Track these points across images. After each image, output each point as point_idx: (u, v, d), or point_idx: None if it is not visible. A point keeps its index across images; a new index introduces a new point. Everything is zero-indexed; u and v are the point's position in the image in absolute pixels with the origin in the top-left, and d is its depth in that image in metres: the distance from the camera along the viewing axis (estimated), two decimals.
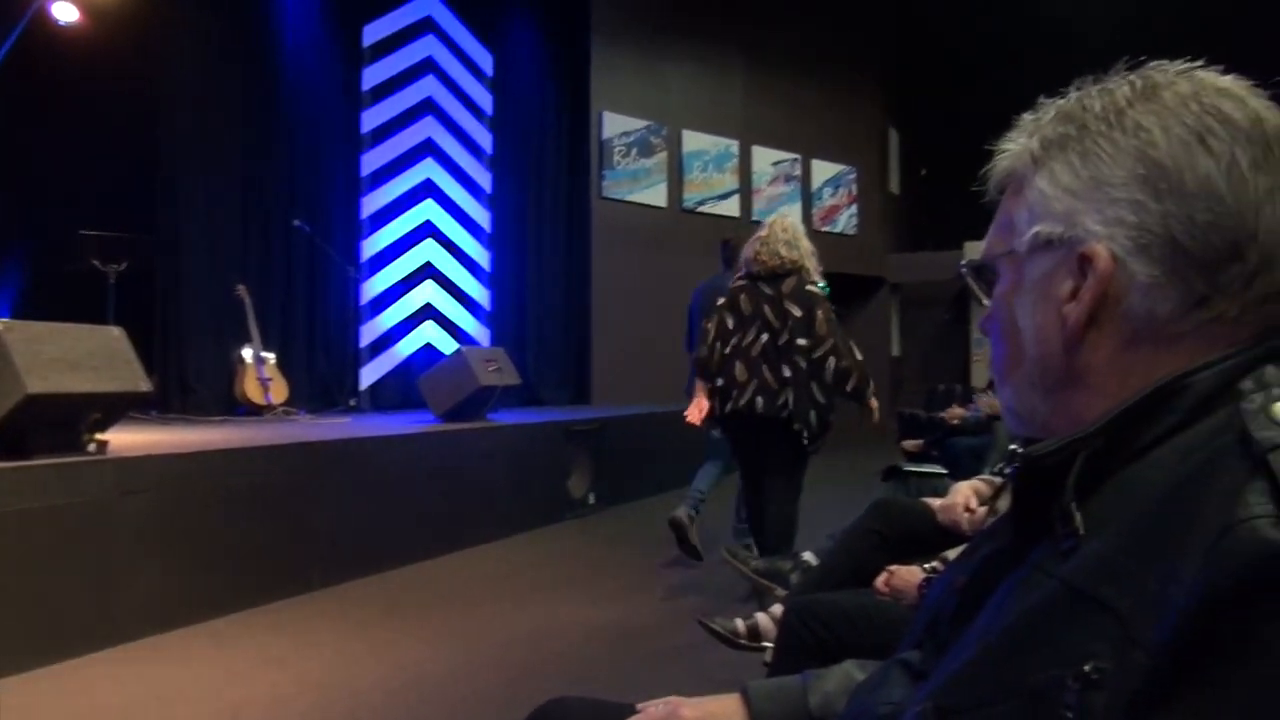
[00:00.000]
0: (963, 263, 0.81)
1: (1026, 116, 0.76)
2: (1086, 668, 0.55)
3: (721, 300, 4.04)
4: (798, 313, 3.80)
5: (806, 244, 3.95)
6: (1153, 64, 0.71)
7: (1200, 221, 0.64)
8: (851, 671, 1.04)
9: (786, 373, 3.78)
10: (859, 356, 3.87)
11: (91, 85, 6.64)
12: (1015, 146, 0.75)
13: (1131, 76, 0.71)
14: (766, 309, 3.85)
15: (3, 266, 5.99)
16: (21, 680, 3.03)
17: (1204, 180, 0.64)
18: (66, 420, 3.53)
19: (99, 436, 3.63)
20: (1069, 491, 0.65)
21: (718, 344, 3.93)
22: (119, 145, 6.97)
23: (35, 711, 2.81)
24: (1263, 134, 0.65)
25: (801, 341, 3.78)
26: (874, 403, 3.95)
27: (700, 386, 4.07)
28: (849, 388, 3.82)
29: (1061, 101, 0.73)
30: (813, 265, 3.93)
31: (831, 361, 3.77)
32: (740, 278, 4.02)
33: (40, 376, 3.34)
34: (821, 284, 3.95)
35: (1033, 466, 0.69)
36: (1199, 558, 0.53)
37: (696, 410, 4.10)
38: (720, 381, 3.91)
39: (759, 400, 3.79)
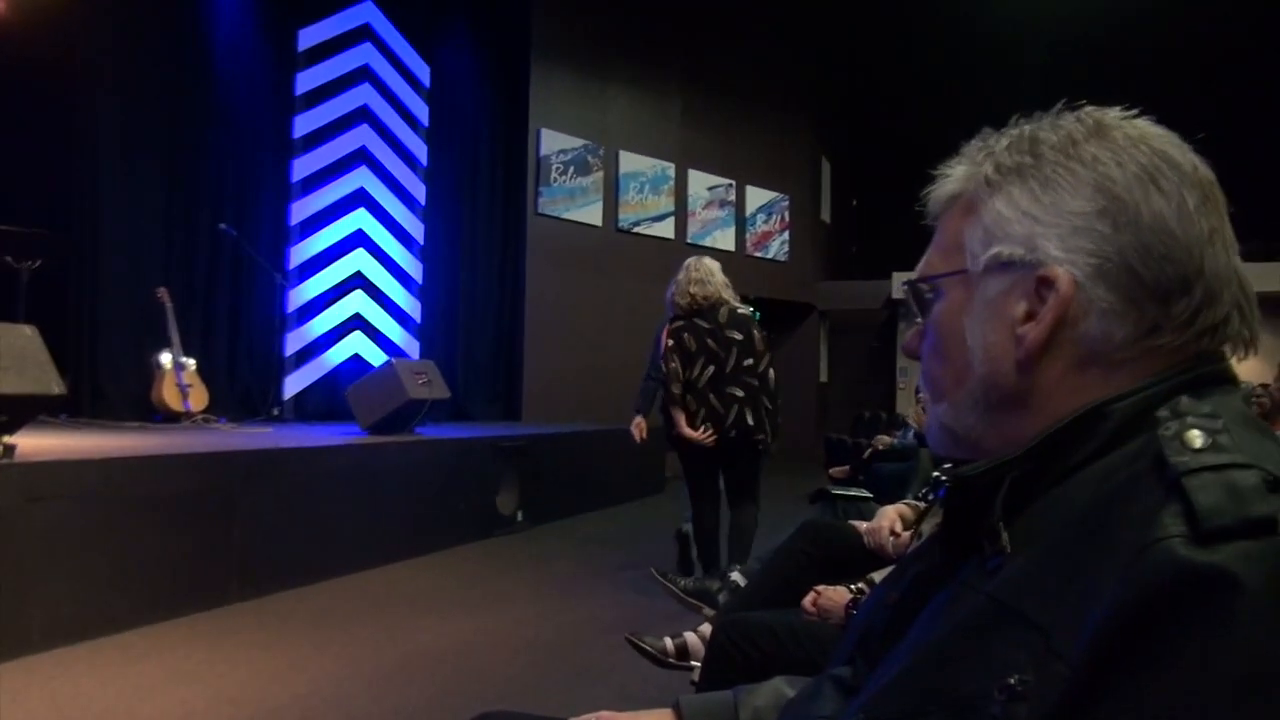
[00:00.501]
0: (904, 280, 0.82)
1: (973, 143, 0.78)
2: (1011, 680, 0.57)
3: (669, 344, 4.37)
4: (738, 336, 4.25)
5: (720, 277, 4.36)
6: (1089, 107, 0.74)
7: (1155, 254, 0.67)
8: (781, 687, 1.05)
9: (739, 393, 4.24)
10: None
11: (10, 76, 6.40)
12: (963, 170, 0.77)
13: (1079, 115, 0.74)
14: (709, 341, 4.27)
15: None
16: None
17: (1157, 216, 0.68)
18: None
19: (6, 440, 3.47)
20: (997, 511, 0.67)
21: (675, 383, 4.34)
22: (37, 139, 6.72)
23: None
24: (1201, 181, 0.70)
25: (748, 362, 4.24)
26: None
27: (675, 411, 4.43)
28: (778, 400, 4.34)
29: (1013, 130, 0.76)
30: (729, 296, 4.37)
31: (770, 373, 4.28)
32: (676, 319, 4.37)
33: None
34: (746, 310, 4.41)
35: (963, 487, 0.71)
36: (1116, 575, 0.55)
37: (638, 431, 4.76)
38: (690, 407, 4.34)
39: (708, 425, 4.26)
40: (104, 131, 6.89)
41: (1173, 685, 0.52)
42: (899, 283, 12.66)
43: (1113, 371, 0.69)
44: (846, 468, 7.07)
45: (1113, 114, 0.73)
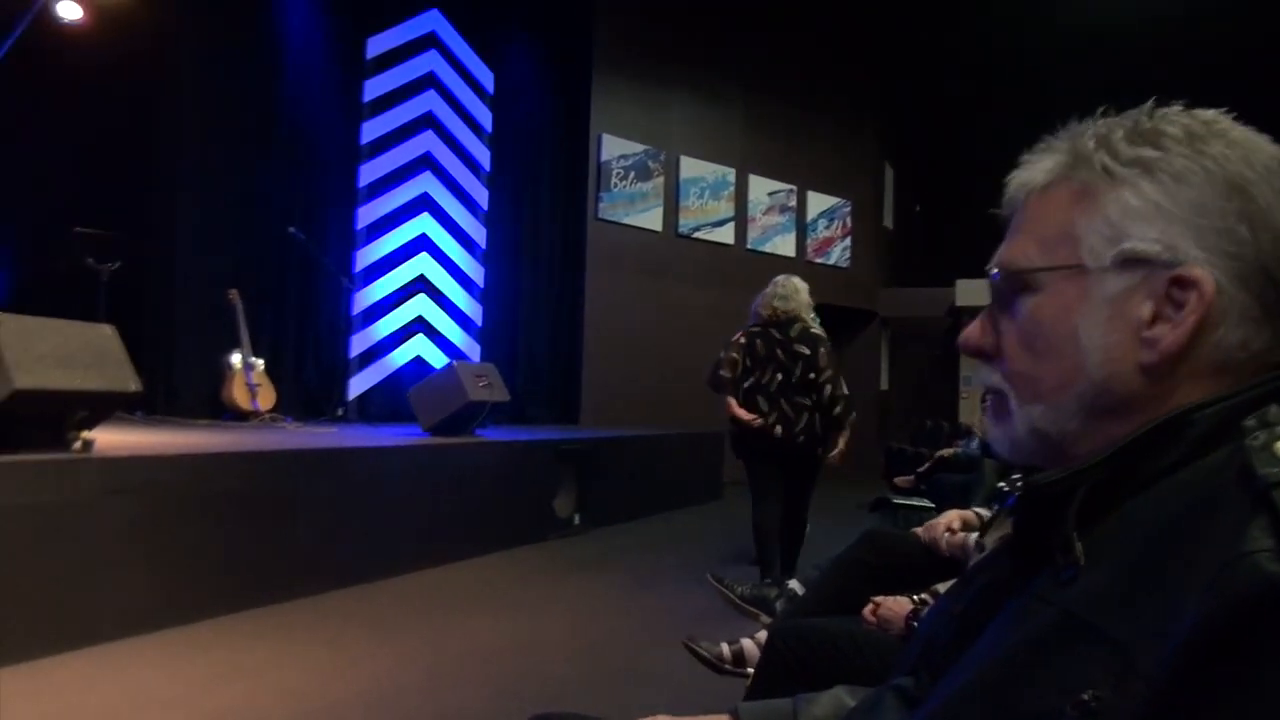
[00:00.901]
0: (994, 270, 0.75)
1: (1065, 132, 0.74)
2: (1085, 696, 0.55)
3: (740, 341, 4.77)
4: (805, 352, 4.62)
5: (804, 298, 4.74)
6: (1179, 108, 0.71)
7: None
8: (842, 696, 1.04)
9: (807, 402, 4.63)
10: (846, 391, 4.69)
11: (92, 85, 6.64)
12: (1060, 159, 0.73)
13: (1186, 113, 0.70)
14: (777, 350, 4.66)
15: None
16: None
17: None
18: (53, 417, 3.51)
19: (85, 434, 3.60)
20: (1070, 521, 0.65)
21: (738, 384, 4.70)
22: (118, 146, 6.96)
23: (5, 708, 2.77)
24: None
25: (811, 375, 4.59)
26: (842, 438, 4.77)
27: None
28: (835, 413, 4.63)
29: (1123, 121, 0.72)
30: (808, 316, 4.75)
31: (828, 389, 4.59)
32: (753, 326, 4.79)
33: (29, 371, 3.31)
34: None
35: (1035, 495, 0.69)
36: (1199, 591, 0.53)
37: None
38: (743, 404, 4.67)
39: (778, 429, 4.60)
40: (180, 139, 7.13)
41: (1259, 703, 0.50)
42: (961, 289, 12.44)
43: (1237, 378, 0.65)
44: (910, 477, 6.96)
45: (1211, 114, 0.70)
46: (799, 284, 4.79)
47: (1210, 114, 0.70)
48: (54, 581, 3.29)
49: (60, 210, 6.65)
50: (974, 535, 2.31)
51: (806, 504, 4.83)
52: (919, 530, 2.31)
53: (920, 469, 6.51)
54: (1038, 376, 0.72)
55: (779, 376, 4.65)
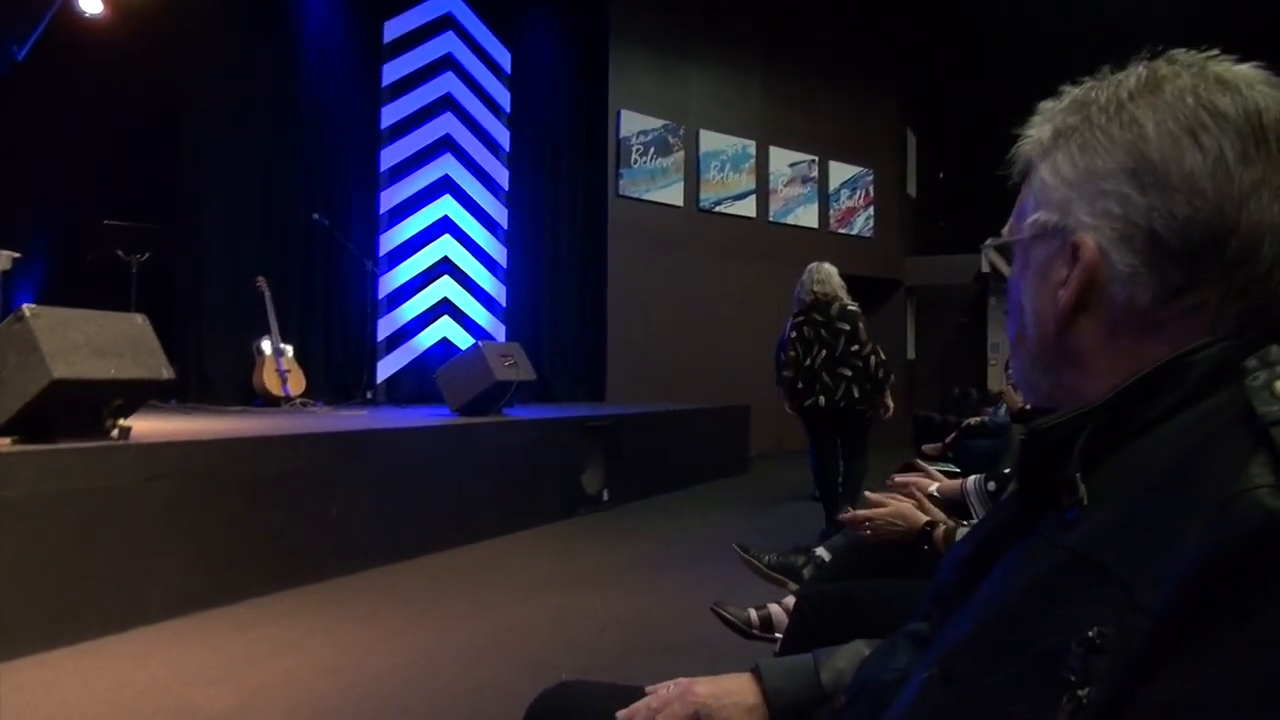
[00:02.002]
0: (987, 241, 0.85)
1: (1047, 103, 0.78)
2: (1090, 633, 0.57)
3: (793, 335, 5.57)
4: (846, 328, 5.39)
5: (837, 280, 5.54)
6: (1170, 53, 0.73)
7: (1180, 216, 0.67)
8: (861, 649, 1.06)
9: (847, 372, 5.38)
10: (884, 356, 5.49)
11: (115, 77, 6.72)
12: (1033, 133, 0.78)
13: (1141, 67, 0.73)
14: (822, 331, 5.43)
15: (30, 254, 6.06)
16: (45, 659, 3.09)
17: (1188, 175, 0.67)
18: (90, 405, 3.59)
19: (122, 422, 3.68)
20: (1074, 462, 0.67)
21: (795, 366, 5.52)
22: (142, 137, 7.05)
23: (58, 690, 2.86)
24: (1256, 127, 0.67)
25: (854, 348, 5.37)
26: (889, 398, 5.56)
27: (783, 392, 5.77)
28: (879, 377, 5.40)
29: (1075, 90, 0.76)
30: (843, 295, 5.50)
31: (873, 359, 5.39)
32: (797, 314, 5.58)
33: (66, 361, 3.39)
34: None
35: (1038, 439, 0.71)
36: (1200, 527, 0.55)
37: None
38: (800, 386, 5.51)
39: (821, 398, 5.42)
40: (202, 128, 7.20)
41: (1258, 636, 0.51)
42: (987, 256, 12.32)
43: (1147, 334, 0.69)
44: (938, 445, 6.94)
45: (1180, 61, 0.72)
46: (830, 268, 5.55)
47: (1173, 64, 0.72)
48: (100, 566, 3.38)
49: (89, 203, 6.76)
50: (975, 479, 2.35)
51: (860, 450, 5.71)
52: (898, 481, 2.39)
53: (948, 437, 6.50)
54: (1011, 334, 0.81)
55: (823, 353, 5.41)
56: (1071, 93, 0.77)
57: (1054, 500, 0.68)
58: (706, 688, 1.08)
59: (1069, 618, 0.59)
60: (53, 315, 3.52)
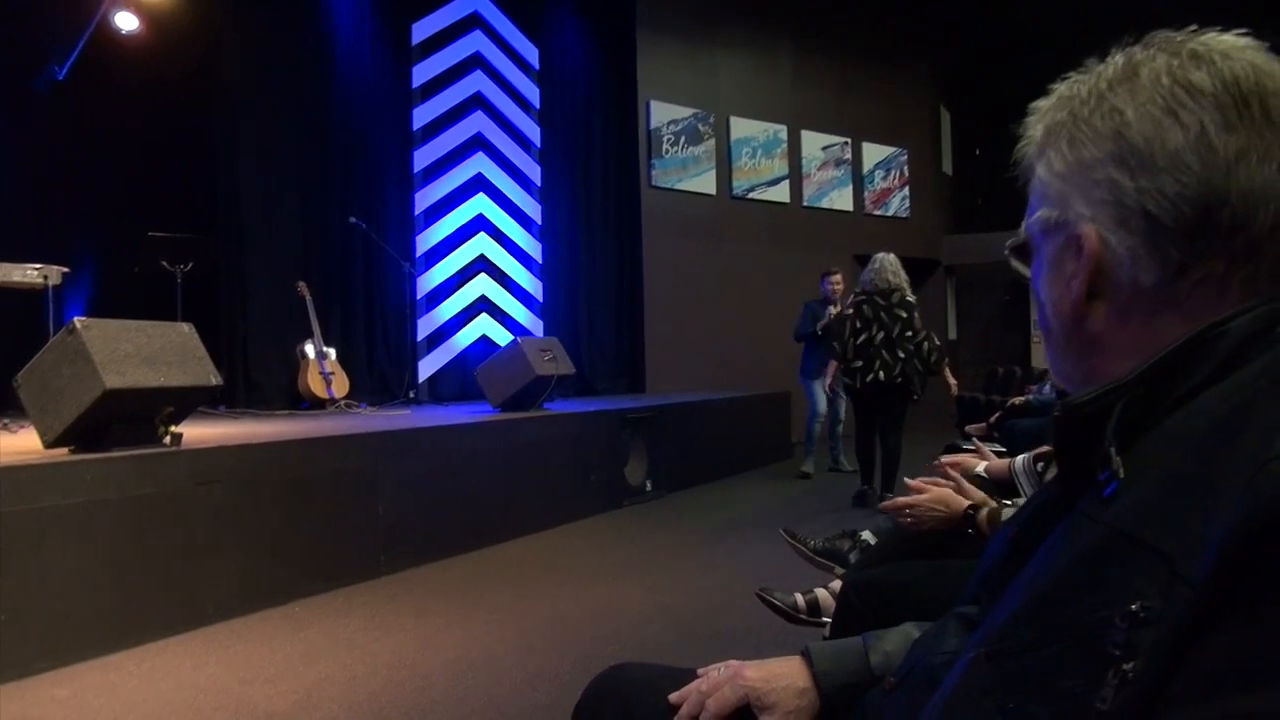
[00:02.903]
0: (1006, 245, 0.87)
1: (1039, 102, 0.80)
2: (1134, 607, 0.57)
3: (849, 311, 6.16)
4: (904, 315, 5.94)
5: (904, 274, 6.10)
6: (1149, 36, 0.74)
7: (1170, 193, 0.68)
8: (910, 632, 1.06)
9: (902, 354, 5.89)
10: (938, 343, 6.07)
11: (153, 92, 6.85)
12: (1030, 133, 0.81)
13: (1119, 56, 0.75)
14: (881, 314, 5.94)
15: (78, 268, 6.21)
16: (109, 662, 3.18)
17: (1173, 154, 0.68)
18: (142, 414, 3.68)
19: (173, 429, 3.76)
20: (1109, 438, 0.67)
21: (850, 340, 6.01)
22: (181, 149, 7.19)
23: (121, 692, 2.94)
24: (1236, 95, 0.68)
25: (909, 333, 5.91)
26: (948, 375, 6.40)
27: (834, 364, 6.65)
28: (932, 361, 5.98)
29: (1061, 87, 0.78)
30: (906, 287, 6.06)
31: (925, 345, 5.96)
32: (859, 294, 6.10)
33: (117, 372, 3.47)
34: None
35: (1072, 415, 0.71)
36: (1237, 493, 0.55)
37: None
38: (859, 363, 5.96)
39: (881, 373, 5.88)
40: (241, 138, 7.31)
41: None
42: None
43: (1159, 311, 0.70)
44: (982, 425, 6.86)
45: (1157, 44, 0.73)
46: (897, 261, 6.13)
47: (1147, 48, 0.73)
48: (157, 570, 3.47)
49: (133, 216, 6.91)
50: (1024, 458, 2.33)
51: (897, 429, 6.17)
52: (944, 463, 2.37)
53: (992, 417, 6.42)
54: (1042, 326, 0.82)
55: (881, 334, 5.92)
56: (1058, 90, 0.78)
57: (1092, 477, 0.68)
58: (756, 671, 1.09)
59: (1111, 593, 0.59)
60: (103, 327, 3.61)
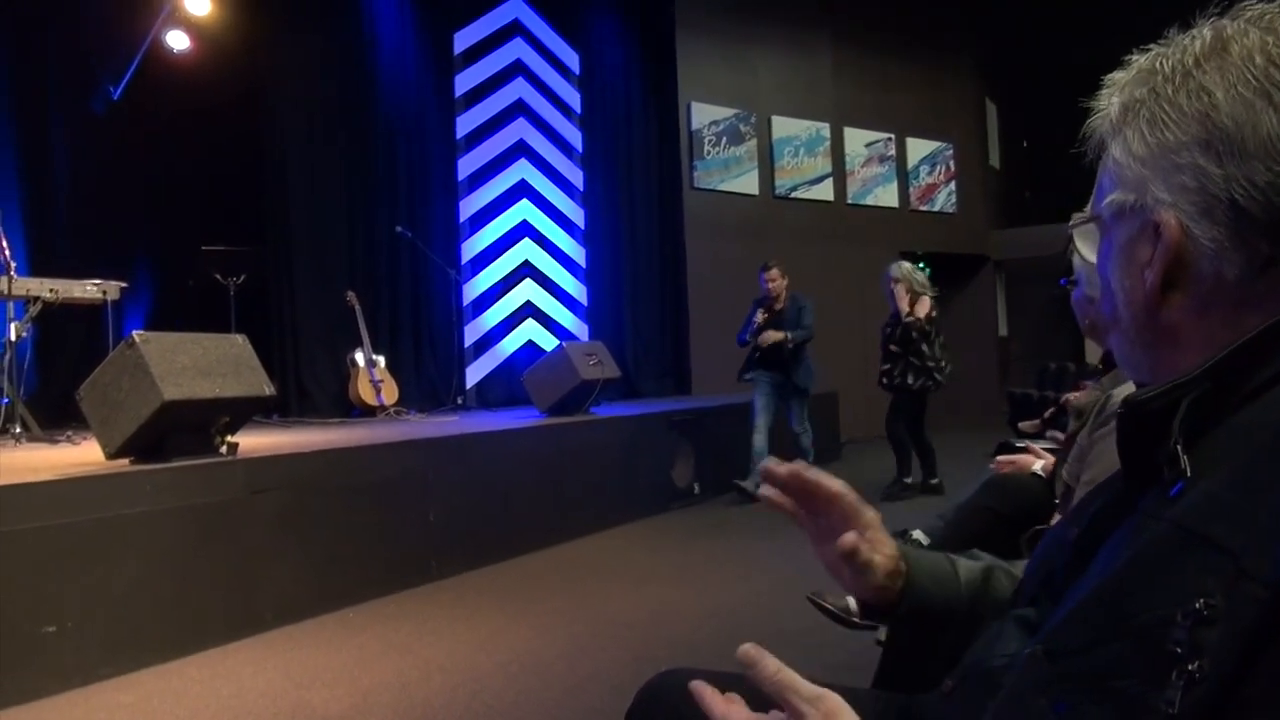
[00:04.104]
0: (1070, 223, 0.86)
1: (1115, 74, 0.76)
2: (1197, 604, 0.55)
3: (935, 313, 6.45)
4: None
5: (920, 276, 6.45)
6: (1237, 7, 0.70)
7: (1261, 183, 0.64)
8: (979, 554, 1.06)
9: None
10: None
11: (204, 108, 7.00)
12: (1102, 108, 0.76)
13: (1206, 29, 0.70)
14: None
15: (135, 283, 6.37)
16: (169, 668, 3.25)
17: (1264, 140, 0.64)
18: (199, 424, 3.76)
19: (229, 439, 3.84)
20: (1175, 435, 0.64)
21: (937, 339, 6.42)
22: (232, 163, 7.34)
23: (184, 697, 3.01)
24: None
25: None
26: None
27: None
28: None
29: (1142, 60, 0.73)
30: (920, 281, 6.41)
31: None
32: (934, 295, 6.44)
33: (175, 384, 3.55)
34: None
35: (1137, 413, 0.69)
36: None
37: None
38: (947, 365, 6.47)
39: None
40: (289, 151, 7.44)
41: None
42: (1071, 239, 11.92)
43: (1243, 307, 0.66)
44: (1035, 421, 6.73)
45: (1246, 17, 0.68)
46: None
47: (1238, 21, 0.68)
48: (216, 577, 3.54)
49: (187, 231, 7.07)
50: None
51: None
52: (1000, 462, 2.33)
53: (1045, 414, 6.30)
54: (1105, 314, 0.79)
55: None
56: (1137, 62, 0.74)
57: (1156, 476, 0.66)
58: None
59: (1173, 591, 0.57)
60: (160, 340, 3.69)
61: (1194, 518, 0.59)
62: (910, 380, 6.32)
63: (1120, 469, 0.76)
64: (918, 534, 3.06)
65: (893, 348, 6.36)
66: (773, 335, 6.55)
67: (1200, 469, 0.62)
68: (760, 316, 6.65)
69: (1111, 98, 0.75)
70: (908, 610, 1.01)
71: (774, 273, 6.77)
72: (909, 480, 6.62)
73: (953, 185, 12.46)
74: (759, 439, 6.53)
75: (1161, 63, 0.71)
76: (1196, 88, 0.67)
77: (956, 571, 1.03)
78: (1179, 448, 0.64)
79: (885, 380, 6.45)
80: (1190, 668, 0.54)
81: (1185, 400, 0.65)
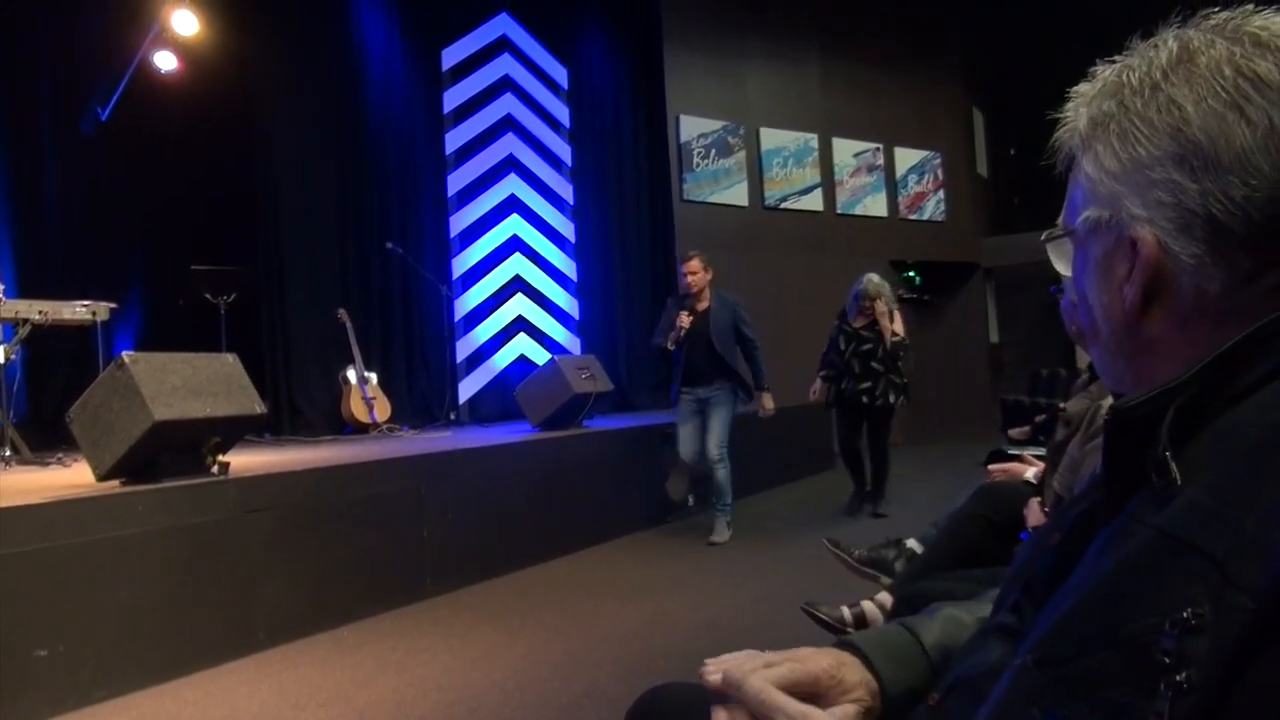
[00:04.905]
0: (1043, 236, 0.83)
1: (1081, 86, 0.75)
2: (1184, 614, 0.55)
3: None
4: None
5: (889, 289, 6.30)
6: (1201, 15, 0.69)
7: (1238, 198, 0.63)
8: (957, 615, 0.99)
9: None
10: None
11: (193, 127, 7.00)
12: (1070, 120, 0.75)
13: (1171, 39, 0.69)
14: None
15: (125, 303, 6.35)
16: (163, 690, 3.23)
17: (1239, 154, 0.63)
18: (191, 444, 3.74)
19: (221, 458, 3.83)
20: (1164, 441, 0.64)
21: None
22: (221, 182, 7.33)
23: (179, 718, 2.99)
24: None
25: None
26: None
27: None
28: None
29: (1107, 71, 0.73)
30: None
31: None
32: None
33: (165, 404, 3.54)
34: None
35: (1123, 419, 0.69)
36: None
37: None
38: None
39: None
40: (278, 169, 7.44)
41: None
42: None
43: (1221, 321, 0.66)
44: (1026, 428, 6.75)
45: (1210, 26, 0.68)
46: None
47: (1203, 31, 0.68)
48: (209, 597, 3.52)
49: (177, 250, 7.05)
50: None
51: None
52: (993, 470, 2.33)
53: (1037, 419, 6.33)
54: (1084, 326, 0.78)
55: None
56: (1102, 74, 0.73)
57: (1143, 481, 0.66)
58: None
59: (1160, 599, 0.57)
60: (150, 360, 3.68)
61: (1180, 525, 0.59)
62: (892, 399, 6.17)
63: (1101, 473, 0.76)
64: (911, 543, 3.06)
65: (875, 365, 6.17)
66: (770, 404, 6.14)
67: (1187, 475, 0.62)
68: (684, 320, 5.68)
69: (1079, 110, 0.74)
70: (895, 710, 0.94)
71: (694, 264, 5.76)
72: (867, 488, 6.47)
73: (941, 194, 12.52)
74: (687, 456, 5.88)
75: (1128, 75, 0.70)
76: (1166, 101, 0.67)
77: (920, 641, 0.97)
78: (1168, 455, 0.63)
79: (865, 399, 6.21)
80: (1178, 678, 0.54)
81: (1173, 406, 0.65)
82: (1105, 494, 0.72)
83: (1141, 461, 0.66)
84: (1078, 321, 0.80)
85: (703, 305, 5.79)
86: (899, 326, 6.20)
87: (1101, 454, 0.72)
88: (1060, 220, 0.80)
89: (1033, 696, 0.63)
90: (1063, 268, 0.81)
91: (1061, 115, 0.77)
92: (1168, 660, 0.55)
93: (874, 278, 6.33)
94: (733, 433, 5.85)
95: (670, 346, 5.74)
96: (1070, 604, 0.65)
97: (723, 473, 5.74)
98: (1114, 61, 0.73)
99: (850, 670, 0.93)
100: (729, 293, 5.99)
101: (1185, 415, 0.65)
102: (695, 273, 5.73)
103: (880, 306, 6.15)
